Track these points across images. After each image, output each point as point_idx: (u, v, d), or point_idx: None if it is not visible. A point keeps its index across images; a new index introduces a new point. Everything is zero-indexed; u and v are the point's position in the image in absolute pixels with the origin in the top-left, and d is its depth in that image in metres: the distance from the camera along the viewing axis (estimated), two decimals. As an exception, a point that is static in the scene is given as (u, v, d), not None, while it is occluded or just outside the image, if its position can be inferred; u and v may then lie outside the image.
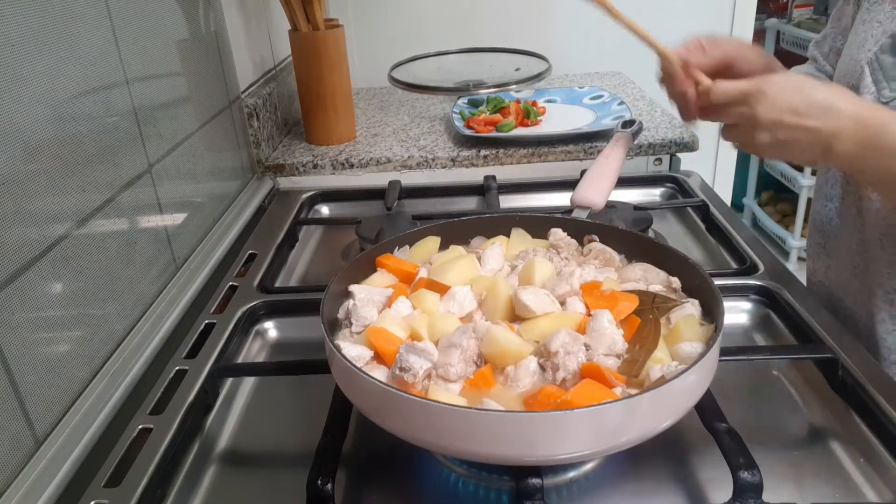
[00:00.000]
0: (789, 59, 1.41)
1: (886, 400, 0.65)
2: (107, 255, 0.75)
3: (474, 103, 1.49)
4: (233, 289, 0.91)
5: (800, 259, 3.03)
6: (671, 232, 1.08)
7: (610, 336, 0.61)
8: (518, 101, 1.45)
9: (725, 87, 0.72)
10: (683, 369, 0.54)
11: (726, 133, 0.75)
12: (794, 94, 0.68)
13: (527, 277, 0.71)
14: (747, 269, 0.89)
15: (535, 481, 0.55)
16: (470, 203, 1.21)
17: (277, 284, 0.95)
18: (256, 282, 0.91)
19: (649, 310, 0.65)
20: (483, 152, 1.29)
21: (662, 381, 0.56)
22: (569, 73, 1.85)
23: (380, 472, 0.63)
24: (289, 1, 1.26)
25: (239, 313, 0.84)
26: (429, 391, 0.58)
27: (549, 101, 1.51)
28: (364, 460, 0.64)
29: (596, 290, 0.68)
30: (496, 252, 0.77)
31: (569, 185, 1.01)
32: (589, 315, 0.65)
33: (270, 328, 0.86)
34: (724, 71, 0.78)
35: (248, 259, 0.99)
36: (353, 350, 0.62)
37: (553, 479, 0.60)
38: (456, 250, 0.78)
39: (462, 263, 0.73)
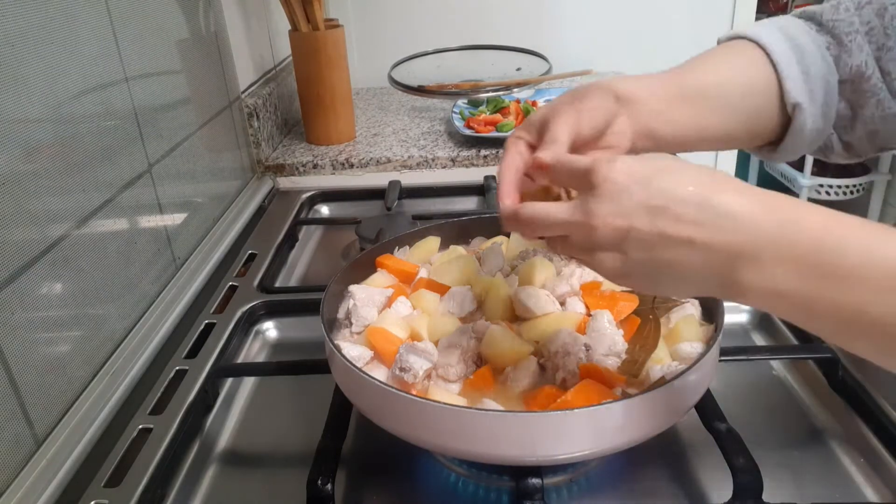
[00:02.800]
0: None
1: (886, 400, 0.65)
2: (107, 255, 0.75)
3: (474, 103, 1.49)
4: (233, 289, 0.91)
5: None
6: (671, 232, 1.07)
7: (610, 336, 0.61)
8: (518, 101, 1.45)
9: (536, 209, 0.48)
10: (683, 369, 0.54)
11: (550, 243, 0.50)
12: (648, 181, 0.43)
13: (527, 277, 0.71)
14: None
15: (535, 481, 0.55)
16: (470, 203, 1.21)
17: (277, 284, 0.95)
18: (256, 282, 0.91)
19: (649, 310, 0.65)
20: (483, 152, 1.29)
21: (662, 381, 0.56)
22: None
23: (380, 472, 0.63)
24: (289, 1, 1.26)
25: (239, 313, 0.84)
26: (428, 391, 0.58)
27: (549, 101, 1.51)
28: (364, 460, 0.64)
29: (596, 290, 0.68)
30: (496, 252, 0.77)
31: (569, 185, 1.01)
32: (589, 315, 0.65)
33: (270, 328, 0.86)
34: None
35: (248, 259, 0.99)
36: (353, 350, 0.62)
37: (553, 479, 0.60)
38: (456, 250, 0.78)
39: (462, 263, 0.73)
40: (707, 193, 0.42)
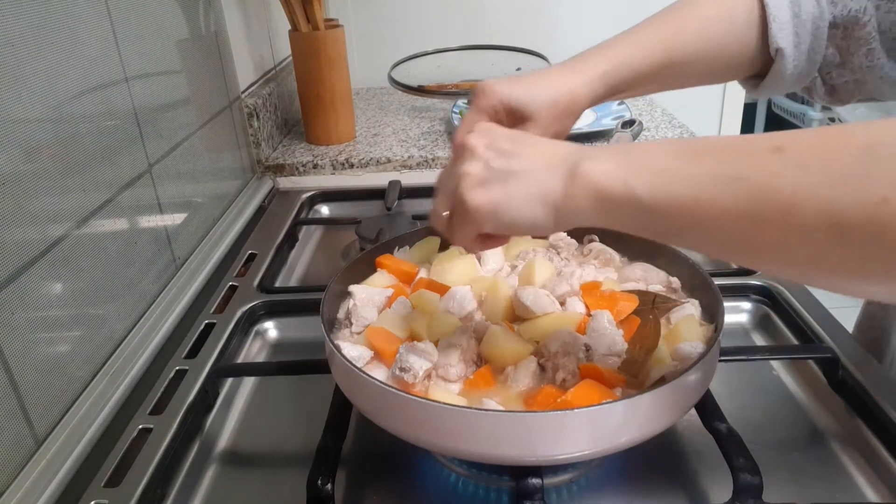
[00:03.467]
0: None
1: (886, 400, 0.65)
2: (107, 255, 0.75)
3: (474, 103, 1.49)
4: (233, 289, 0.91)
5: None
6: (671, 232, 1.07)
7: (610, 336, 0.61)
8: (518, 101, 1.45)
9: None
10: (683, 369, 0.54)
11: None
12: (517, 132, 0.53)
13: (527, 277, 0.71)
14: (747, 268, 0.89)
15: (535, 481, 0.55)
16: (470, 203, 1.21)
17: (277, 284, 0.95)
18: (256, 282, 0.91)
19: (649, 310, 0.65)
20: (483, 152, 1.29)
21: (662, 381, 0.56)
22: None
23: (380, 472, 0.63)
24: (289, 1, 1.26)
25: (239, 313, 0.84)
26: (429, 391, 0.58)
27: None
28: (364, 460, 0.64)
29: (596, 290, 0.68)
30: (496, 252, 0.77)
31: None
32: (589, 315, 0.65)
33: (270, 328, 0.86)
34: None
35: (248, 259, 0.99)
36: (353, 350, 0.62)
37: (553, 479, 0.60)
38: (456, 250, 0.78)
39: (462, 263, 0.73)
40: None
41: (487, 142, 0.50)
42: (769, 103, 3.15)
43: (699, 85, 0.70)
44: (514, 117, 0.61)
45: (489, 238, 0.52)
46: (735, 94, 2.00)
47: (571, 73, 0.63)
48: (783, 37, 0.63)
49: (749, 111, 2.98)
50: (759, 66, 0.67)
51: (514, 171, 0.48)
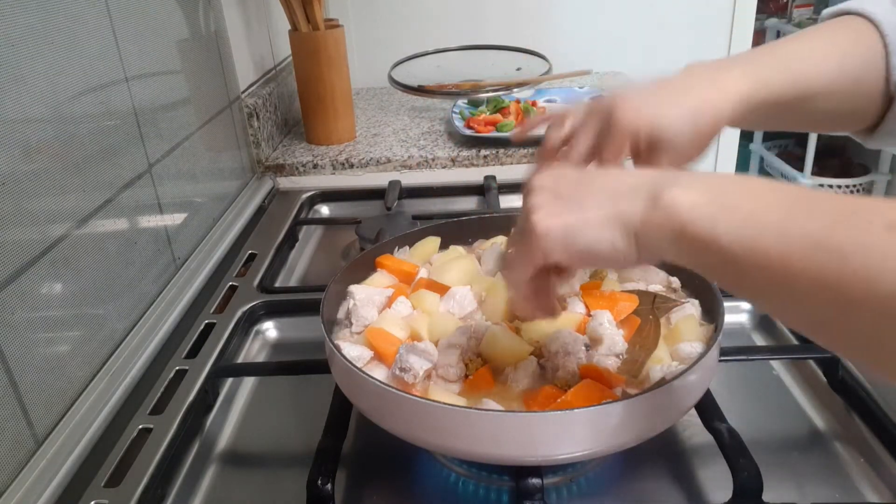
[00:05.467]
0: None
1: (886, 400, 0.65)
2: (107, 255, 0.75)
3: (474, 103, 1.49)
4: (233, 289, 0.91)
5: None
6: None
7: (610, 336, 0.61)
8: (518, 101, 1.45)
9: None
10: (683, 369, 0.54)
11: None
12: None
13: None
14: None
15: (535, 481, 0.55)
16: (470, 203, 1.21)
17: (277, 284, 0.95)
18: (256, 282, 0.91)
19: (649, 310, 0.65)
20: (483, 152, 1.29)
21: (662, 381, 0.56)
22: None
23: (380, 472, 0.63)
24: (289, 1, 1.26)
25: (239, 313, 0.84)
26: (428, 391, 0.58)
27: (548, 101, 1.51)
28: (364, 460, 0.64)
29: (596, 291, 0.68)
30: (496, 252, 0.76)
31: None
32: (589, 315, 0.65)
33: (270, 328, 0.86)
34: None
35: (248, 259, 0.99)
36: (353, 350, 0.62)
37: (553, 479, 0.60)
38: (456, 250, 0.78)
39: (462, 263, 0.73)
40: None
41: (555, 177, 0.47)
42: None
43: (821, 130, 0.62)
44: (646, 146, 0.54)
45: (550, 275, 0.48)
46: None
47: (712, 88, 0.55)
48: None
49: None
50: (876, 111, 0.61)
51: (589, 193, 0.44)
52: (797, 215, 0.36)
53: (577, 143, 0.56)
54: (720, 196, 0.39)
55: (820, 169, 2.73)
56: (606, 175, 0.46)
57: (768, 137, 3.22)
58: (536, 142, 0.54)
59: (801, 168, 2.77)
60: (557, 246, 0.44)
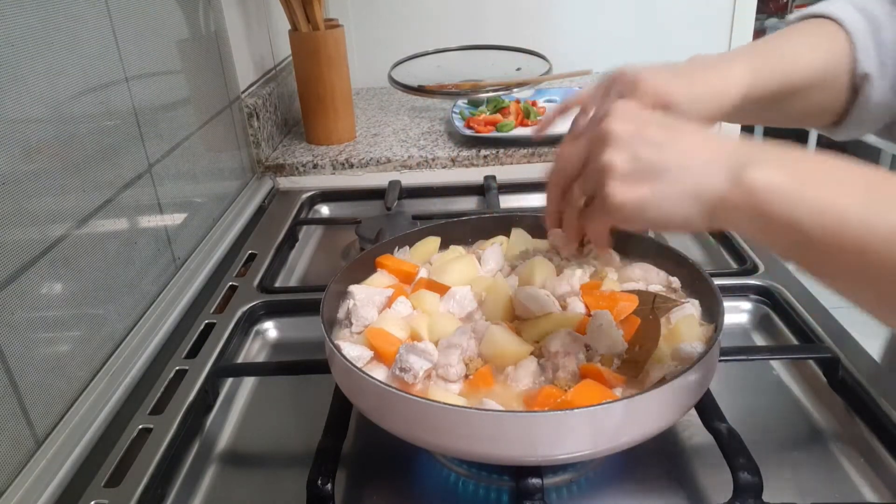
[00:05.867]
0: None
1: (886, 400, 0.65)
2: (107, 255, 0.75)
3: (474, 103, 1.49)
4: (233, 289, 0.91)
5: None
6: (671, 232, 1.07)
7: (610, 336, 0.61)
8: (518, 101, 1.45)
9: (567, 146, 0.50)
10: (683, 369, 0.54)
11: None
12: (660, 116, 0.48)
13: (527, 278, 0.71)
14: (747, 269, 0.89)
15: (535, 481, 0.55)
16: (470, 203, 1.21)
17: (277, 284, 0.95)
18: (256, 282, 0.91)
19: (649, 310, 0.65)
20: (483, 152, 1.29)
21: (662, 381, 0.56)
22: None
23: (380, 472, 0.63)
24: (289, 1, 1.26)
25: (239, 313, 0.84)
26: (428, 391, 0.58)
27: (549, 101, 1.51)
28: (364, 460, 0.64)
29: (596, 290, 0.68)
30: (496, 252, 0.77)
31: (569, 185, 1.01)
32: (589, 315, 0.65)
33: (270, 328, 0.86)
34: None
35: (248, 259, 0.99)
36: (353, 350, 0.62)
37: (553, 479, 0.60)
38: (456, 250, 0.78)
39: (462, 263, 0.73)
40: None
41: (634, 129, 0.45)
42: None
43: (793, 125, 0.67)
44: None
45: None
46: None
47: (720, 78, 0.57)
48: (869, 62, 0.61)
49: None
50: (843, 104, 0.65)
51: (668, 165, 0.43)
52: (879, 203, 0.38)
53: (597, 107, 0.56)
54: (801, 176, 0.40)
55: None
56: (685, 137, 0.45)
57: (768, 133, 3.21)
58: (558, 139, 0.54)
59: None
60: (630, 218, 0.45)
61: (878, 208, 0.38)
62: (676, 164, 0.43)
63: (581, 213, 0.50)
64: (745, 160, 0.42)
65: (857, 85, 0.63)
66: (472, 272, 0.73)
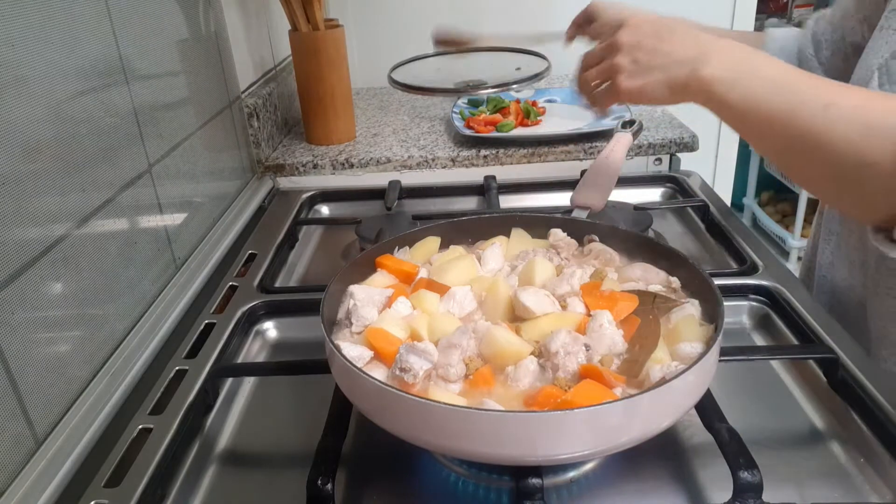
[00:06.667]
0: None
1: (886, 400, 0.65)
2: (107, 255, 0.75)
3: (474, 103, 1.49)
4: (233, 289, 0.91)
5: (800, 259, 3.03)
6: (671, 232, 1.08)
7: (610, 336, 0.61)
8: (518, 101, 1.45)
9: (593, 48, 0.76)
10: (683, 369, 0.54)
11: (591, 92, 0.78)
12: (657, 23, 0.70)
13: (527, 278, 0.71)
14: (747, 269, 0.89)
15: (535, 481, 0.55)
16: (470, 203, 1.21)
17: (277, 284, 0.95)
18: (256, 282, 0.91)
19: (649, 310, 0.65)
20: (483, 152, 1.29)
21: (662, 381, 0.56)
22: (569, 73, 1.84)
23: (380, 472, 0.63)
24: (289, 1, 1.26)
25: (239, 313, 0.84)
26: (428, 391, 0.58)
27: (549, 101, 1.51)
28: (364, 460, 0.64)
29: (596, 290, 0.68)
30: (496, 252, 0.77)
31: (569, 185, 1.01)
32: (589, 315, 0.65)
33: (270, 328, 0.86)
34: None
35: (248, 259, 0.99)
36: (353, 350, 0.61)
37: (553, 479, 0.60)
38: (456, 250, 0.78)
39: (462, 264, 0.73)
40: (688, 27, 0.70)
41: (636, 41, 0.69)
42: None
43: None
44: None
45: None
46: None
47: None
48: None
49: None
50: None
51: (654, 66, 0.68)
52: (784, 88, 0.63)
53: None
54: (737, 71, 0.64)
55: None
56: (670, 42, 0.68)
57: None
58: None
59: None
60: (630, 98, 0.72)
61: (781, 91, 0.63)
62: (659, 65, 0.68)
63: (596, 92, 0.76)
64: (704, 59, 0.65)
65: None
66: (471, 272, 0.73)
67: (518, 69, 1.52)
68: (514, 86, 1.43)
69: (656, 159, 1.34)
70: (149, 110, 0.87)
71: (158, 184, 0.89)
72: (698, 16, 2.04)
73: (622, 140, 0.92)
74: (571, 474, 0.61)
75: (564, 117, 1.43)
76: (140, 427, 0.66)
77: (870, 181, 0.60)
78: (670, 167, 1.34)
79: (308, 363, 0.71)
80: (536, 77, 1.42)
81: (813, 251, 0.97)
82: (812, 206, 2.99)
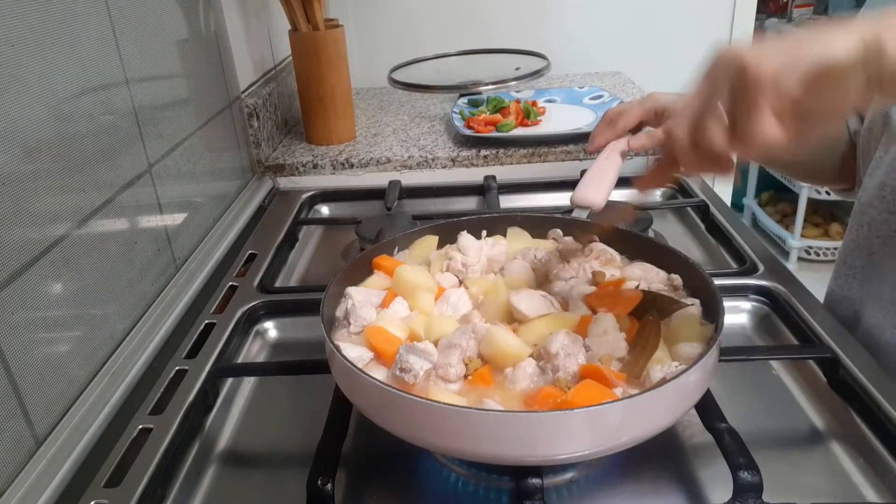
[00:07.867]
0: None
1: (886, 400, 0.65)
2: (107, 255, 0.75)
3: (474, 103, 1.49)
4: (233, 289, 0.91)
5: (800, 259, 3.03)
6: (671, 232, 1.07)
7: (612, 342, 0.61)
8: (518, 101, 1.45)
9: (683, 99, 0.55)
10: (683, 369, 0.54)
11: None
12: (783, 40, 0.50)
13: (525, 279, 0.71)
14: (747, 269, 0.89)
15: (535, 481, 0.55)
16: (470, 203, 1.21)
17: (277, 284, 0.95)
18: (256, 282, 0.91)
19: (650, 310, 0.65)
20: (483, 152, 1.29)
21: (662, 381, 0.56)
22: (569, 73, 1.85)
23: (380, 472, 0.63)
24: (289, 1, 1.26)
25: (239, 313, 0.84)
26: (428, 391, 0.58)
27: (549, 101, 1.51)
28: (364, 460, 0.64)
29: (596, 291, 0.68)
30: (471, 242, 0.77)
31: (569, 185, 1.01)
32: (593, 314, 0.65)
33: (270, 328, 0.86)
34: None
35: (248, 259, 0.99)
36: (352, 350, 0.62)
37: (553, 479, 0.60)
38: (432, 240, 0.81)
39: (423, 243, 0.77)
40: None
41: (779, 64, 0.48)
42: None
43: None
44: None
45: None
46: None
47: None
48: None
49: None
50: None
51: (819, 89, 0.48)
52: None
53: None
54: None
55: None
56: (814, 42, 0.48)
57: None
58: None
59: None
60: (783, 142, 0.51)
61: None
62: (828, 80, 0.48)
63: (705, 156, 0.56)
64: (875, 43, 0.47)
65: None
66: (430, 248, 0.77)
67: (517, 69, 1.52)
68: (513, 83, 1.43)
69: (656, 159, 1.34)
70: (149, 110, 0.87)
71: (158, 184, 0.89)
72: (699, 16, 2.05)
73: (622, 140, 0.92)
74: (571, 474, 0.61)
75: (564, 117, 1.43)
76: (140, 427, 0.66)
77: None
78: (670, 167, 1.34)
79: (308, 363, 0.71)
80: (536, 74, 1.43)
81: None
82: (812, 205, 2.99)
